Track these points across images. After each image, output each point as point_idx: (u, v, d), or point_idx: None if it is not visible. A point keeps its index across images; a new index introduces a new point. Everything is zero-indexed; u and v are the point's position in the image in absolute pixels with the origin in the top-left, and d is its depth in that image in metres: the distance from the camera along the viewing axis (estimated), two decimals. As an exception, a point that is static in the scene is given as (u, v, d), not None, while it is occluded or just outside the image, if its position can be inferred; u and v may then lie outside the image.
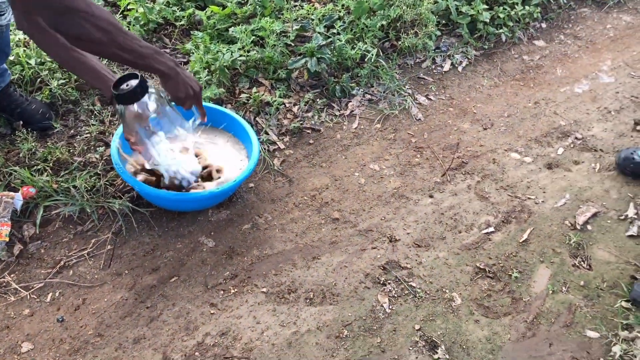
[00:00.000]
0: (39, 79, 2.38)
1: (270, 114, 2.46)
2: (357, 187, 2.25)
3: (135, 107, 1.66)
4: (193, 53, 2.66)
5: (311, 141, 2.42)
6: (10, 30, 2.23)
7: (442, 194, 2.25)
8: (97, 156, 2.19)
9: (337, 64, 2.70)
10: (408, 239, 2.08)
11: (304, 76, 2.63)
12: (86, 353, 1.68)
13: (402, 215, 2.16)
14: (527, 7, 3.12)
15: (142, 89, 1.62)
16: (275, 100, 2.47)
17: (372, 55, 2.66)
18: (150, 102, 1.67)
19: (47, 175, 2.08)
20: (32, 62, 2.38)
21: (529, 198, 2.27)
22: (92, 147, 2.24)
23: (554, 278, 1.99)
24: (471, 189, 2.29)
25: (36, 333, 1.71)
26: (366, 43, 2.74)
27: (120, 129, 2.05)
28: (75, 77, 2.42)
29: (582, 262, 2.05)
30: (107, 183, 2.10)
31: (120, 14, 2.77)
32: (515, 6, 3.12)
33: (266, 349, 1.73)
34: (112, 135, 2.27)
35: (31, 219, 2.00)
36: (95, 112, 2.36)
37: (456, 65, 2.88)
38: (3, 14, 1.96)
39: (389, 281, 1.94)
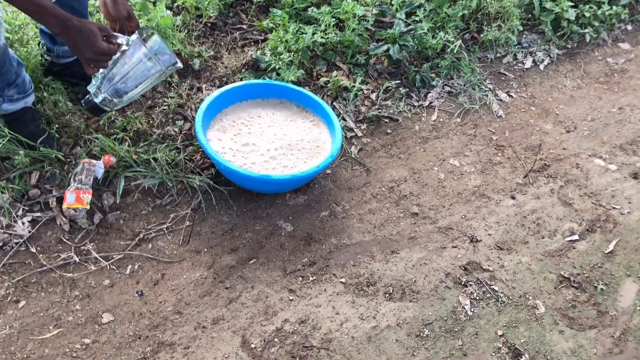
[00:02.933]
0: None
1: (348, 100, 2.40)
2: (436, 182, 2.19)
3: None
4: (271, 31, 2.61)
5: (389, 131, 2.36)
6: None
7: (525, 196, 2.18)
8: (176, 129, 2.17)
9: (416, 53, 2.62)
10: (489, 241, 2.02)
11: (383, 63, 2.56)
12: (165, 330, 1.66)
13: (483, 215, 2.10)
14: (614, 7, 2.99)
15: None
16: (354, 86, 2.41)
17: (455, 46, 2.57)
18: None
19: (127, 145, 2.07)
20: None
21: (614, 207, 2.18)
22: (171, 120, 2.22)
23: (641, 294, 1.91)
24: (554, 194, 2.20)
25: (116, 305, 1.70)
26: (447, 33, 2.65)
27: (202, 107, 2.02)
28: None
29: (672, 280, 1.96)
30: (186, 158, 2.07)
31: (198, -14, 2.73)
32: (602, 5, 2.99)
33: (346, 341, 1.69)
34: (191, 110, 2.24)
35: (111, 188, 1.98)
36: (173, 84, 2.33)
37: (538, 63, 2.78)
38: None
39: (470, 283, 1.88)
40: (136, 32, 1.68)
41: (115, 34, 1.64)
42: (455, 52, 2.60)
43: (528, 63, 2.75)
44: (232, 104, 2.17)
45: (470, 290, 1.86)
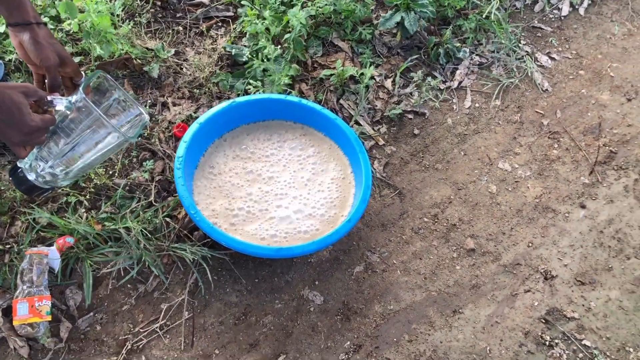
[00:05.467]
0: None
1: (358, 95, 1.87)
2: (488, 199, 1.74)
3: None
4: (241, 5, 1.99)
5: (416, 131, 1.86)
6: None
7: (596, 202, 1.75)
8: (146, 175, 1.63)
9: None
10: (567, 274, 1.61)
11: (396, 36, 2.00)
12: None
13: (552, 237, 1.67)
14: None
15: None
16: (363, 75, 1.86)
17: (493, 6, 2.01)
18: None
19: (85, 212, 1.53)
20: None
21: (700, 199, 1.79)
22: (136, 161, 1.67)
23: None
24: (629, 192, 1.78)
25: None
26: (466, -19, 2.07)
27: (180, 151, 1.48)
28: (93, 54, 1.76)
29: None
30: (167, 217, 1.56)
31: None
32: None
33: None
34: (161, 142, 1.69)
35: (74, 278, 1.48)
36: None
37: (576, 6, 2.24)
38: None
39: (556, 341, 1.49)
40: (80, 87, 1.14)
41: (49, 97, 1.10)
42: (486, 11, 2.04)
43: (565, 8, 2.22)
44: (219, 137, 1.63)
45: (558, 353, 1.47)
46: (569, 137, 1.88)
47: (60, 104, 1.11)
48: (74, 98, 1.12)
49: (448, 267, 1.60)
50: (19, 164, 1.21)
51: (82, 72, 1.22)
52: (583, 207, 1.74)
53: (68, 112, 1.12)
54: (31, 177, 1.20)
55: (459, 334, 1.49)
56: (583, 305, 1.56)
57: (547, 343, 1.49)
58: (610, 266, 1.63)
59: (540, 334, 1.50)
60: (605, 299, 1.57)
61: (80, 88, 1.13)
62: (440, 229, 1.66)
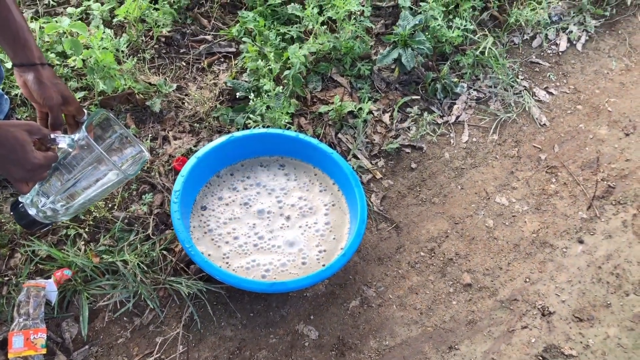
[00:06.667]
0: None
1: (356, 129, 1.89)
2: (485, 233, 1.74)
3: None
4: (243, 41, 2.04)
5: (414, 165, 1.87)
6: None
7: (594, 237, 1.75)
8: (145, 209, 1.65)
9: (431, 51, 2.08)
10: (565, 310, 1.60)
11: (394, 71, 2.03)
12: None
13: (550, 273, 1.67)
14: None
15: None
16: (361, 109, 1.89)
17: (488, 42, 2.04)
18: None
19: (83, 244, 1.55)
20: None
21: (700, 235, 1.77)
22: (135, 194, 1.69)
23: None
24: (628, 227, 1.78)
25: None
26: (464, 18, 2.11)
27: (177, 187, 1.50)
28: (96, 89, 1.81)
29: None
30: (164, 250, 1.57)
31: (143, -10, 2.11)
32: (639, -45, 2.46)
33: None
34: (160, 175, 1.72)
35: (71, 311, 1.49)
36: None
37: (574, 42, 2.27)
38: None
39: (553, 379, 1.47)
40: (82, 126, 1.17)
41: (52, 135, 1.13)
42: (481, 47, 2.07)
43: (563, 44, 2.24)
44: (217, 172, 1.66)
45: (555, 391, 1.45)
46: (566, 171, 1.89)
47: (63, 141, 1.14)
48: (76, 136, 1.15)
49: (444, 302, 1.59)
50: (20, 199, 1.23)
51: (85, 111, 1.26)
52: (581, 242, 1.74)
53: (70, 150, 1.15)
54: (32, 212, 1.22)
55: (455, 370, 1.48)
56: (581, 342, 1.54)
57: (544, 381, 1.47)
58: (608, 302, 1.62)
59: (537, 371, 1.49)
60: (603, 336, 1.56)
61: (83, 126, 1.16)
62: (437, 263, 1.66)
